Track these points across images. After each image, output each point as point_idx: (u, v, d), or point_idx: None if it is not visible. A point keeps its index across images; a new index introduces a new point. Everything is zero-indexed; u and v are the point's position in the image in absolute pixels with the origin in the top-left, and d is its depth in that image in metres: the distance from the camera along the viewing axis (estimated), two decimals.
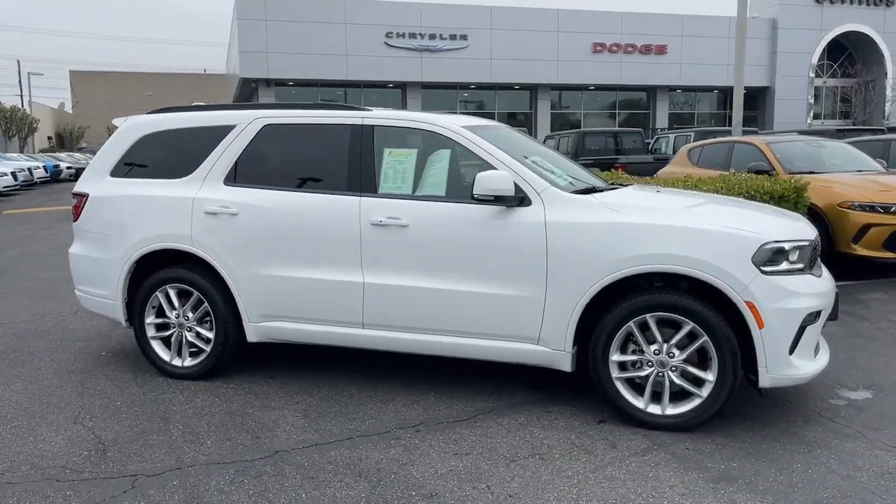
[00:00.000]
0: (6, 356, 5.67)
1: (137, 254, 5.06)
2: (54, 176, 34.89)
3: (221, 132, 5.02)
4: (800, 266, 4.06)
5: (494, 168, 4.38)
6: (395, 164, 4.64)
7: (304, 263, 4.69)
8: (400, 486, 3.45)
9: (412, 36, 33.03)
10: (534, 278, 4.24)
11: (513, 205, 4.30)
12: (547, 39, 34.50)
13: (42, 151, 60.30)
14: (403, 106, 34.46)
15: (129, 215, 5.10)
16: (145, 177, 5.18)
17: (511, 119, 36.10)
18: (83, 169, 38.48)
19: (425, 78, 33.66)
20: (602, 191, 4.60)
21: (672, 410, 4.09)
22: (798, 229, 4.24)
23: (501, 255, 4.30)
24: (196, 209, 4.90)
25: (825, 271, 4.45)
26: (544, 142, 19.42)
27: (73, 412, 4.46)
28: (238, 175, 4.92)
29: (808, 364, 4.05)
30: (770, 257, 3.95)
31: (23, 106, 66.53)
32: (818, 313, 4.06)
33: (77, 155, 49.42)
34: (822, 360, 4.22)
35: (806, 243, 4.12)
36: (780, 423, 4.20)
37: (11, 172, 26.36)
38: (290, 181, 4.81)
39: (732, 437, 3.99)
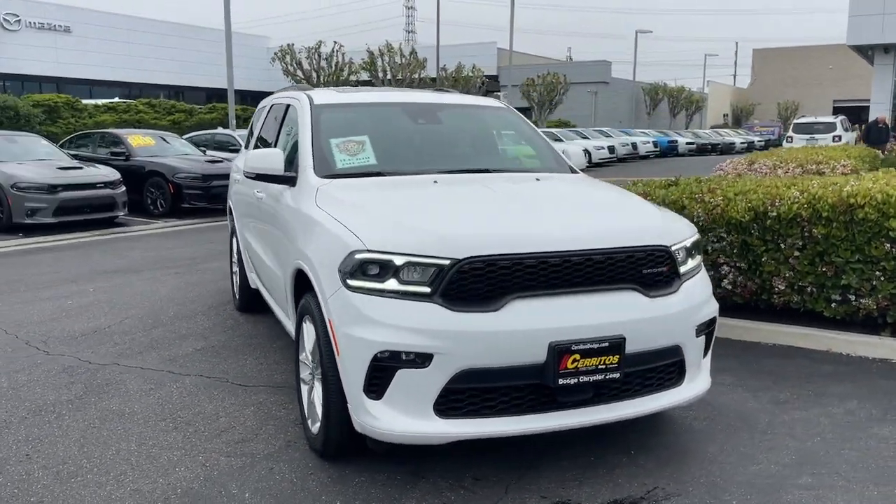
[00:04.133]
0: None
1: (228, 207, 6.55)
2: (668, 150, 37.61)
3: (261, 110, 6.04)
4: (418, 290, 2.99)
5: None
6: (285, 139, 4.94)
7: (247, 228, 5.46)
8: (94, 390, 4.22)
9: None
10: (281, 260, 4.16)
11: (290, 185, 4.23)
12: None
13: (713, 128, 64.18)
14: None
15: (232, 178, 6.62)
16: (248, 147, 6.58)
17: None
18: (708, 144, 40.24)
19: None
20: (380, 175, 4.05)
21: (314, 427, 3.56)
22: (474, 237, 3.05)
23: (275, 232, 4.35)
24: (235, 174, 6.10)
25: (527, 312, 3.02)
26: None
27: (133, 315, 6.30)
28: (255, 147, 5.89)
29: (402, 420, 3.00)
30: (360, 268, 3.07)
31: (704, 86, 71.91)
32: (424, 357, 2.94)
33: (726, 130, 51.56)
34: (454, 428, 3.01)
35: (444, 262, 2.98)
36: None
37: (608, 146, 30.14)
38: None
39: (336, 480, 3.31)
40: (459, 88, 33.49)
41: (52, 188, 11.39)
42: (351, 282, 3.08)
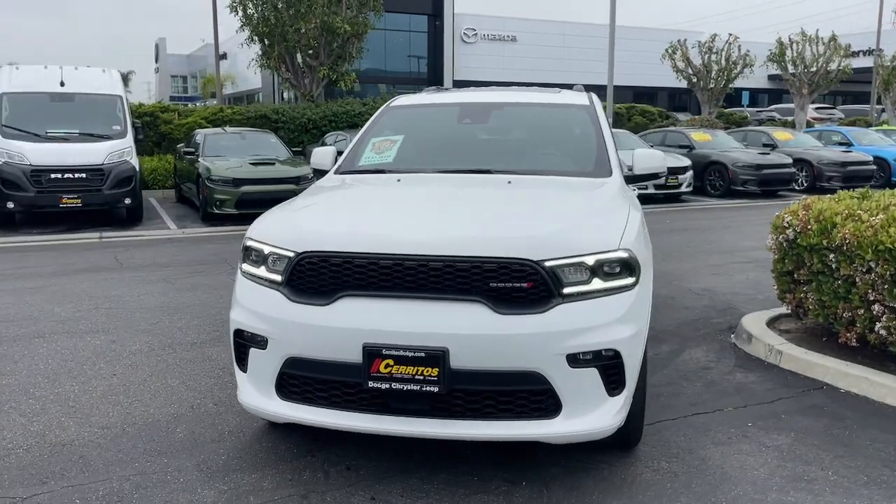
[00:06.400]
0: None
1: None
2: None
3: None
4: (275, 278, 3.23)
5: None
6: None
7: None
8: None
9: None
10: None
11: None
12: None
13: None
14: None
15: None
16: None
17: None
18: None
19: None
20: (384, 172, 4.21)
21: None
22: (344, 234, 3.19)
23: None
24: None
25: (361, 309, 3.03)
26: None
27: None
28: None
29: (253, 394, 3.29)
30: (248, 255, 3.43)
31: None
32: (263, 340, 3.18)
33: None
34: (289, 411, 3.19)
35: (290, 254, 3.17)
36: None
37: None
38: None
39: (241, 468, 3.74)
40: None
41: None
42: (242, 265, 3.47)
